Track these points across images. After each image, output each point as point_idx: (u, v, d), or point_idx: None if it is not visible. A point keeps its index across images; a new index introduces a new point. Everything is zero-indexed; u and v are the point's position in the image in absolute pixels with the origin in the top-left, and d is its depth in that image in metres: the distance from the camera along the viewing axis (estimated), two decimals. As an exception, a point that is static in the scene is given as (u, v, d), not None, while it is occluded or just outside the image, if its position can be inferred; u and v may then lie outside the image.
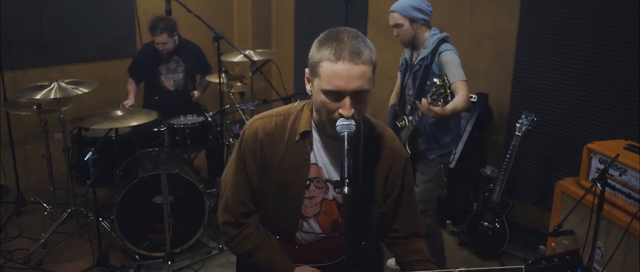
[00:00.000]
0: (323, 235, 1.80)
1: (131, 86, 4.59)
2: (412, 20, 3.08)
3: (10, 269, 3.55)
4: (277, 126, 1.75)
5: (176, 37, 4.44)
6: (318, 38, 1.62)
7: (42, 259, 3.64)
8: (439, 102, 2.76)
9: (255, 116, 1.81)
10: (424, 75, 3.11)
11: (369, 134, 1.76)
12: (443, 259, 3.42)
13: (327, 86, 1.56)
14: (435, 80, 2.80)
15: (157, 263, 3.61)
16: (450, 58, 3.01)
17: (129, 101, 4.45)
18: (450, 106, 2.84)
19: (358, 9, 4.89)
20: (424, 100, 2.84)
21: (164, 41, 4.34)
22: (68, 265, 3.63)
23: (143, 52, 4.64)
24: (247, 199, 1.80)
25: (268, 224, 1.85)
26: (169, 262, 3.40)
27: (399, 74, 3.41)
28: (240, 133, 1.81)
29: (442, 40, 3.09)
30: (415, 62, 3.16)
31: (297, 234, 1.82)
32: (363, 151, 1.73)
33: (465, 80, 3.00)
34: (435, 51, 3.06)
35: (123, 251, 3.74)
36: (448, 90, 2.71)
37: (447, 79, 2.74)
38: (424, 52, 3.11)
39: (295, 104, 1.81)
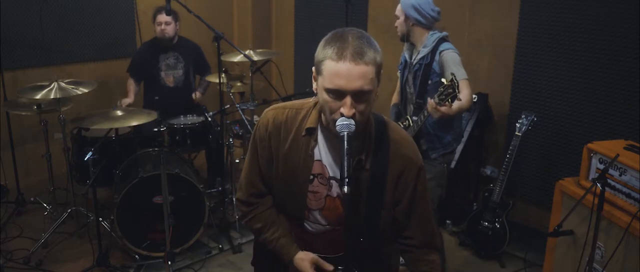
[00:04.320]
0: (329, 227, 1.83)
1: (131, 86, 4.60)
2: (406, 17, 3.10)
3: (10, 269, 3.55)
4: (288, 119, 1.79)
5: (178, 27, 4.48)
6: (325, 37, 1.63)
7: (42, 259, 3.64)
8: (447, 102, 2.75)
9: (272, 106, 1.86)
10: (424, 75, 3.11)
11: (380, 135, 1.75)
12: (443, 259, 3.42)
13: (328, 85, 1.58)
14: (442, 80, 2.79)
15: (157, 263, 3.61)
16: (450, 57, 3.01)
17: (128, 99, 4.45)
18: (456, 106, 2.84)
19: (358, 9, 4.89)
20: (431, 101, 2.83)
21: (168, 21, 4.36)
22: (68, 265, 3.64)
23: (142, 50, 4.66)
24: (258, 181, 1.88)
25: (280, 209, 1.91)
26: (169, 262, 3.40)
27: (399, 73, 3.41)
28: (258, 120, 1.88)
29: (442, 40, 3.10)
30: (414, 61, 3.17)
31: (305, 222, 1.86)
32: (372, 152, 1.73)
33: (468, 79, 3.00)
34: (435, 50, 3.07)
35: (123, 251, 3.73)
36: (456, 90, 2.70)
37: (455, 78, 2.73)
38: (424, 51, 3.11)
39: (311, 99, 1.83)
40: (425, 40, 3.12)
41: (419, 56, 3.13)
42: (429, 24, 3.11)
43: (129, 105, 4.39)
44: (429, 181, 3.15)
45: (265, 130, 1.80)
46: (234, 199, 4.19)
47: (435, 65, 3.07)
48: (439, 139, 3.17)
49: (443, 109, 2.78)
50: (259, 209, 1.90)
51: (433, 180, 3.21)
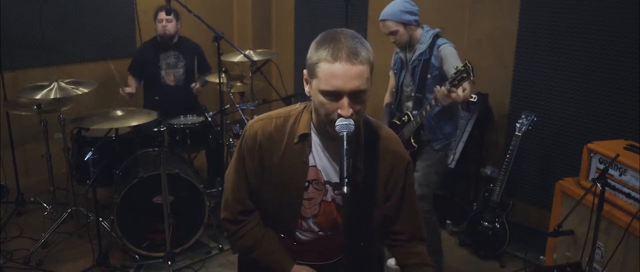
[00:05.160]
0: (322, 233, 1.82)
1: (131, 81, 4.60)
2: (405, 24, 3.16)
3: (10, 269, 3.55)
4: (276, 128, 1.76)
5: (179, 26, 4.49)
6: (315, 39, 1.63)
7: (42, 259, 3.64)
8: (462, 87, 2.85)
9: (256, 117, 1.82)
10: (423, 70, 3.19)
11: (369, 135, 1.76)
12: (439, 251, 3.41)
13: (325, 87, 1.57)
14: (456, 66, 2.88)
15: (157, 263, 3.61)
16: (448, 51, 3.11)
17: (129, 89, 4.42)
18: (461, 93, 2.95)
19: (358, 9, 4.89)
20: (441, 88, 2.89)
21: (170, 18, 4.38)
22: (68, 265, 3.64)
23: (143, 49, 4.68)
24: (245, 198, 1.83)
25: (268, 222, 1.87)
26: (169, 262, 3.40)
27: (391, 74, 3.48)
28: (242, 134, 1.83)
29: (437, 36, 3.20)
30: (412, 59, 3.24)
31: (297, 232, 1.83)
32: (363, 152, 1.73)
33: None
34: (432, 45, 3.16)
35: (123, 251, 3.74)
36: (471, 74, 2.78)
37: (469, 63, 2.80)
38: (421, 47, 3.19)
39: (296, 105, 1.81)
40: (421, 37, 3.20)
41: (417, 53, 3.21)
42: (419, 19, 3.21)
43: (130, 95, 4.39)
44: (428, 167, 3.25)
45: (254, 142, 1.76)
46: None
47: (433, 60, 3.16)
48: (441, 129, 3.25)
49: (453, 95, 2.87)
50: (248, 227, 1.84)
51: (431, 167, 3.27)
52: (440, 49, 3.12)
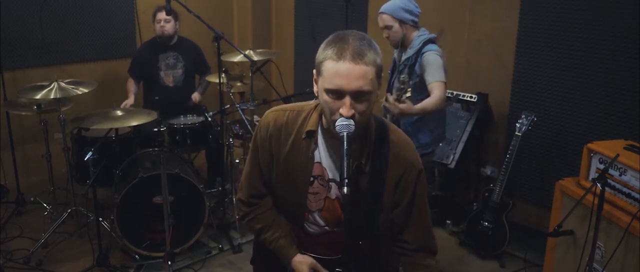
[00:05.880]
0: (328, 229, 1.85)
1: (131, 86, 4.60)
2: (401, 22, 3.14)
3: (10, 269, 3.55)
4: (288, 121, 1.80)
5: (177, 27, 4.49)
6: (326, 39, 1.64)
7: (42, 259, 3.64)
8: (404, 98, 2.79)
9: (272, 108, 1.87)
10: (407, 74, 3.14)
11: (380, 137, 1.75)
12: None
13: (328, 85, 1.58)
14: (401, 76, 2.87)
15: (157, 263, 3.61)
16: (431, 59, 3.05)
17: (129, 101, 4.46)
18: (419, 105, 2.90)
19: (358, 9, 4.89)
20: (390, 97, 2.86)
21: (168, 19, 4.38)
22: (68, 265, 3.64)
23: (142, 50, 4.68)
24: (257, 183, 1.90)
25: (280, 210, 1.93)
26: (169, 262, 3.40)
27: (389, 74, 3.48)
28: (258, 123, 1.89)
29: (428, 41, 3.13)
30: (401, 62, 3.21)
31: (305, 224, 1.87)
32: (372, 154, 1.74)
33: (444, 82, 3.02)
34: (419, 51, 3.11)
35: (123, 251, 3.74)
36: (408, 87, 2.76)
37: (407, 77, 2.83)
38: (410, 52, 3.17)
39: (312, 102, 1.83)
40: (413, 41, 3.16)
41: (405, 57, 3.18)
42: (417, 21, 3.18)
43: (131, 105, 4.40)
44: None
45: (266, 132, 1.81)
46: (234, 199, 4.20)
47: (417, 67, 3.12)
48: (416, 138, 3.16)
49: (402, 106, 2.81)
50: (260, 210, 1.91)
51: None
52: (423, 55, 3.07)
